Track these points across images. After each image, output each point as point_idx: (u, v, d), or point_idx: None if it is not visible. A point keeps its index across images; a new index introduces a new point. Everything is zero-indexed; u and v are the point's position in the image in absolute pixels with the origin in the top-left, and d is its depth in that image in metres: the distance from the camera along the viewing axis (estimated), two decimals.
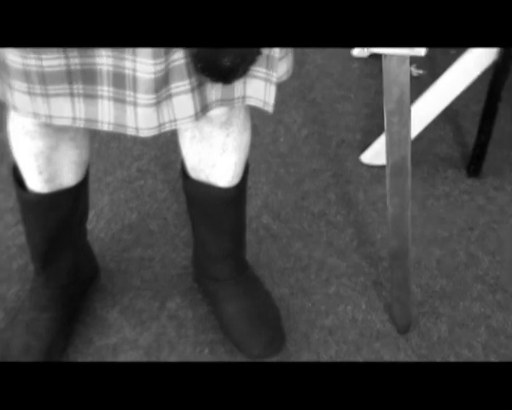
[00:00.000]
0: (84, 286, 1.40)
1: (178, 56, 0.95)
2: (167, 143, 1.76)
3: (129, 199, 1.63)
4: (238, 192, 1.25)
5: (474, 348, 1.37)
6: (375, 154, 1.73)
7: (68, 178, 1.20)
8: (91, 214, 1.56)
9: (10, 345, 1.27)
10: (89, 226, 1.49)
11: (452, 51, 2.04)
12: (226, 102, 1.05)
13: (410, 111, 1.10)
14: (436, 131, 1.84)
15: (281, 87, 1.93)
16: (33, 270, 1.33)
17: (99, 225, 1.57)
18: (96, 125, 1.01)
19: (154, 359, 1.33)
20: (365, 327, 1.40)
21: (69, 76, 0.96)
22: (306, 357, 1.34)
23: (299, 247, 1.55)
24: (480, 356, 1.35)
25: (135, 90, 0.95)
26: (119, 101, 0.98)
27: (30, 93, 0.97)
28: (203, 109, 1.03)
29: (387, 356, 1.35)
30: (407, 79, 1.06)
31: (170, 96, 0.98)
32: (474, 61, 1.60)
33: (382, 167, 1.69)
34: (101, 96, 0.98)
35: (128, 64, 0.94)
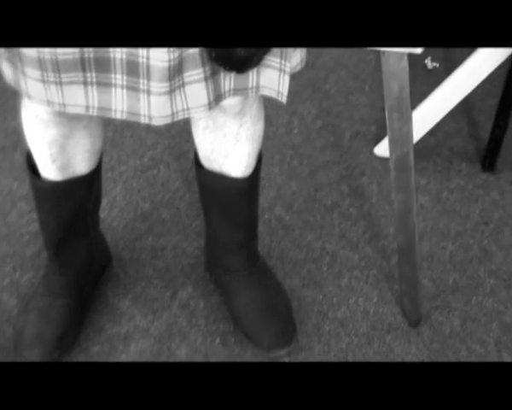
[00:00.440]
0: (97, 274, 1.41)
1: None
2: (181, 133, 1.76)
3: (142, 188, 1.64)
4: (251, 183, 1.25)
5: (486, 344, 1.36)
6: None
7: (81, 166, 1.20)
8: (104, 203, 1.57)
9: (23, 331, 1.28)
10: (102, 215, 1.49)
11: None
12: (240, 91, 1.05)
13: (409, 108, 1.09)
14: (451, 125, 1.82)
15: (295, 78, 1.92)
16: (46, 257, 1.34)
17: (112, 213, 1.57)
18: (109, 114, 1.01)
19: (164, 348, 1.33)
20: (377, 320, 1.39)
21: (83, 64, 0.96)
22: (317, 349, 1.34)
23: (311, 239, 1.54)
24: (492, 352, 1.35)
25: (148, 78, 0.95)
26: (133, 89, 0.98)
27: (43, 81, 0.97)
28: (216, 99, 1.02)
29: (398, 349, 1.34)
30: (406, 76, 1.06)
31: (183, 85, 0.98)
32: (491, 55, 1.59)
33: None
34: (115, 85, 0.98)
35: (142, 52, 0.94)
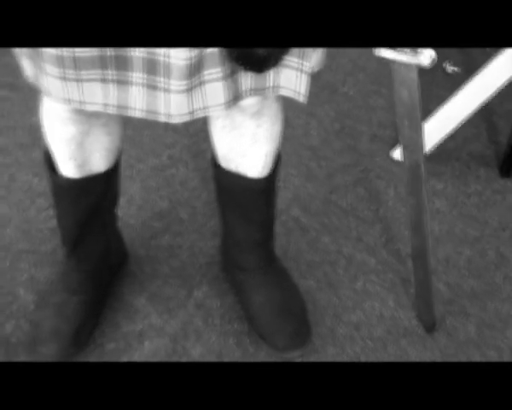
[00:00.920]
0: (113, 271, 1.41)
1: None
2: (199, 132, 1.76)
3: (160, 187, 1.64)
4: (268, 183, 1.25)
5: (501, 350, 1.35)
6: None
7: (99, 164, 1.21)
8: (122, 201, 1.58)
9: (40, 326, 1.29)
10: (119, 213, 1.50)
11: (488, 49, 2.02)
12: (258, 91, 1.05)
13: (419, 117, 1.10)
14: (470, 129, 1.82)
15: (314, 80, 1.92)
16: (64, 253, 1.35)
17: (130, 211, 1.58)
18: (127, 112, 1.02)
19: (179, 347, 1.33)
20: (392, 324, 1.39)
21: (102, 61, 0.96)
22: (331, 352, 1.34)
23: (327, 241, 1.54)
24: (507, 358, 1.34)
25: (168, 76, 0.96)
26: (152, 87, 0.98)
27: (63, 78, 0.98)
28: (235, 98, 1.02)
29: (413, 354, 1.34)
30: (415, 85, 1.07)
31: (202, 83, 0.98)
32: (510, 60, 1.58)
33: None
34: (134, 83, 0.99)
35: (161, 50, 0.94)
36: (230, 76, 1.00)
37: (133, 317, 1.38)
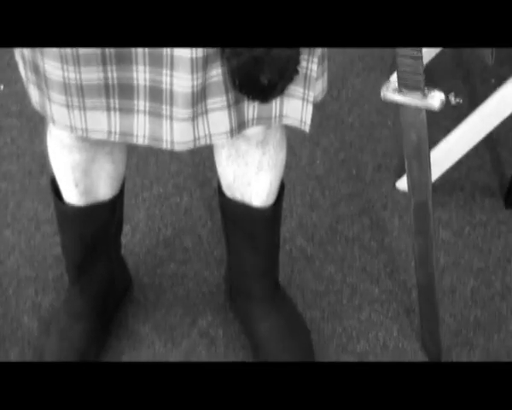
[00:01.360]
0: (118, 298, 1.41)
1: (216, 72, 0.96)
2: (204, 161, 1.77)
3: (164, 215, 1.65)
4: (273, 212, 1.26)
5: None
6: None
7: (104, 191, 1.22)
8: (127, 228, 1.58)
9: (43, 353, 1.29)
10: (124, 240, 1.50)
11: (492, 80, 2.03)
12: (263, 120, 1.06)
13: (428, 157, 1.10)
14: (475, 160, 1.82)
15: (319, 110, 1.93)
16: (68, 280, 1.35)
17: (134, 239, 1.58)
18: (130, 139, 1.02)
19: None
20: (396, 354, 1.38)
21: (107, 90, 0.97)
22: None
23: (332, 270, 1.54)
24: None
25: (172, 104, 0.97)
26: (155, 115, 0.99)
27: (68, 106, 0.99)
28: (239, 127, 1.03)
29: None
30: (424, 128, 1.06)
31: (206, 112, 0.99)
32: None
33: None
34: (137, 111, 0.99)
35: (165, 79, 0.95)
36: (235, 105, 1.00)
37: (137, 345, 1.38)
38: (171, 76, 0.94)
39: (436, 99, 1.02)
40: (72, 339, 1.29)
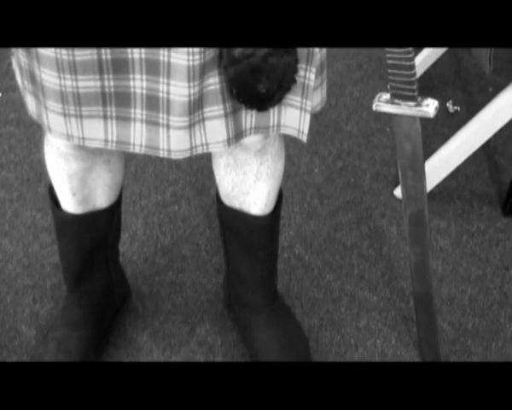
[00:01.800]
0: (116, 307, 1.41)
1: (214, 81, 0.96)
2: (202, 170, 1.77)
3: (162, 223, 1.65)
4: (271, 221, 1.26)
5: None
6: None
7: (102, 200, 1.22)
8: (125, 237, 1.58)
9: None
10: (122, 249, 1.50)
11: (490, 89, 2.03)
12: (261, 129, 1.06)
13: (423, 167, 1.09)
14: (472, 168, 1.82)
15: (317, 118, 1.93)
16: (66, 288, 1.35)
17: (132, 247, 1.58)
18: (127, 148, 1.02)
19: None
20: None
21: (103, 98, 0.97)
22: None
23: (330, 279, 1.54)
24: None
25: (168, 112, 0.97)
26: (152, 123, 0.99)
27: (64, 114, 0.99)
28: (237, 136, 1.03)
29: None
30: (419, 137, 1.05)
31: (203, 120, 0.99)
32: None
33: None
34: (134, 119, 0.99)
35: (162, 87, 0.95)
36: (232, 114, 1.00)
37: (135, 354, 1.38)
38: (168, 84, 0.95)
39: (431, 107, 1.01)
40: (70, 348, 1.29)
